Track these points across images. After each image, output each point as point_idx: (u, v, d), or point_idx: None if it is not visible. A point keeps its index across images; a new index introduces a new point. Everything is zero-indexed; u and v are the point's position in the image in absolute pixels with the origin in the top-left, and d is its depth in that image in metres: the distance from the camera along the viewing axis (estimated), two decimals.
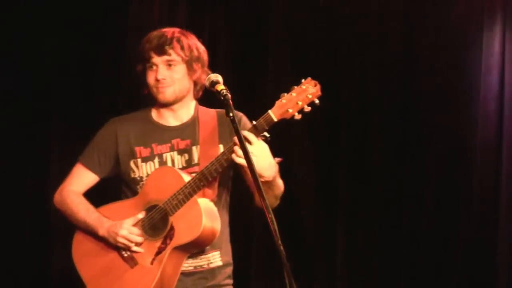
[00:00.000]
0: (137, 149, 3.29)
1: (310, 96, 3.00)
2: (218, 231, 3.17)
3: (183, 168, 3.26)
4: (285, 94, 3.02)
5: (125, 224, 3.19)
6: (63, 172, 4.71)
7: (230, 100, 2.84)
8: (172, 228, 3.14)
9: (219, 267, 3.30)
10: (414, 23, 4.94)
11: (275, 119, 3.01)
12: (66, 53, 4.79)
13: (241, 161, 2.97)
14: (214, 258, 3.28)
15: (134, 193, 3.28)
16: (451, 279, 4.89)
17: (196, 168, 3.23)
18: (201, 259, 3.26)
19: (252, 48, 5.05)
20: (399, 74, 4.98)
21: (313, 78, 2.90)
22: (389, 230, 5.00)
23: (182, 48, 3.24)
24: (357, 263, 5.04)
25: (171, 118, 3.33)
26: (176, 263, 3.17)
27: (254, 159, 2.91)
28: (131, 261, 3.21)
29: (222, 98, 2.87)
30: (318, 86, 3.03)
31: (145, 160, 3.28)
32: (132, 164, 3.29)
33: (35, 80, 4.75)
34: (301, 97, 3.00)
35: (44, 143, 4.85)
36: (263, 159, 3.00)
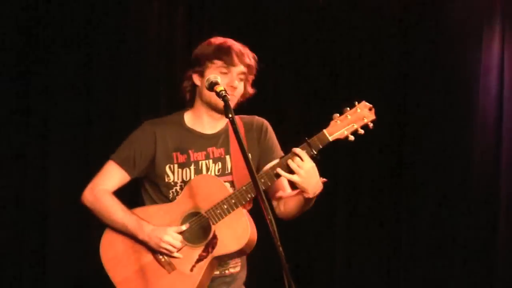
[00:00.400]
0: (174, 154, 3.29)
1: (365, 120, 3.08)
2: (255, 242, 3.20)
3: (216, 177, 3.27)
4: (338, 114, 3.08)
5: (169, 230, 3.17)
6: (62, 172, 4.78)
7: (229, 101, 2.88)
8: (215, 236, 3.14)
9: (238, 272, 3.34)
10: (413, 23, 4.94)
11: (330, 139, 3.08)
12: (65, 52, 4.78)
13: (295, 178, 3.05)
14: (235, 263, 3.32)
15: (163, 196, 3.29)
16: (451, 278, 4.90)
17: (230, 177, 3.26)
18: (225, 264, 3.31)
19: (251, 48, 5.03)
20: (398, 74, 4.98)
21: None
22: (388, 229, 5.00)
23: (255, 65, 3.31)
24: (356, 262, 5.04)
25: (207, 125, 3.31)
26: (211, 270, 3.21)
27: (305, 175, 3.04)
28: (168, 266, 3.19)
29: (221, 99, 2.89)
30: (373, 110, 3.09)
31: (181, 166, 3.28)
32: (167, 168, 3.28)
33: (35, 80, 4.74)
34: (356, 120, 3.08)
35: (43, 142, 4.84)
36: (311, 177, 3.08)
